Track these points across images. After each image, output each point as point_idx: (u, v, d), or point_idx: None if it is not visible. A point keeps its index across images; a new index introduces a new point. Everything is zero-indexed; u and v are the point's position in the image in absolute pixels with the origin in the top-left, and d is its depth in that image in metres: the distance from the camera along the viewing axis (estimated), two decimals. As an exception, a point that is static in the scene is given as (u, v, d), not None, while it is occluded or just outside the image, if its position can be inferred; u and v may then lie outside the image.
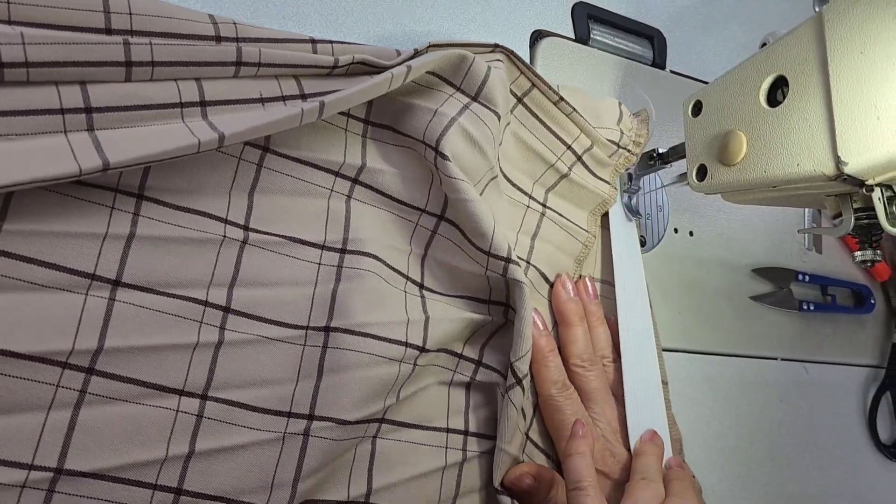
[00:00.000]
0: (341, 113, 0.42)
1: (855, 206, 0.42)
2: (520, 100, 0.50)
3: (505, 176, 0.49)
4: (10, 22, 0.32)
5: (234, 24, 0.38)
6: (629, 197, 0.56)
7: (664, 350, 0.58)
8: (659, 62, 0.65)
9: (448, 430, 0.44)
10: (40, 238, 0.32)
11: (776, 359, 0.66)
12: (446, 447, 0.43)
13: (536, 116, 0.51)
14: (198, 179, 0.38)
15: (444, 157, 0.42)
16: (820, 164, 0.38)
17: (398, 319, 0.41)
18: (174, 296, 0.36)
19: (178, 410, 0.35)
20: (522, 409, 0.44)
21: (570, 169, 0.52)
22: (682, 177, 0.50)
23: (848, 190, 0.41)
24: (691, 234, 0.63)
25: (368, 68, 0.41)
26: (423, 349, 0.41)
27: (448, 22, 0.52)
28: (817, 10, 0.42)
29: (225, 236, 0.38)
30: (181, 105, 0.35)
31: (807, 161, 0.39)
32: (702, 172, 0.46)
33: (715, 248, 0.64)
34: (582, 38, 0.60)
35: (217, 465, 0.35)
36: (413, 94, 0.44)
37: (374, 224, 0.43)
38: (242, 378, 0.37)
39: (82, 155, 0.31)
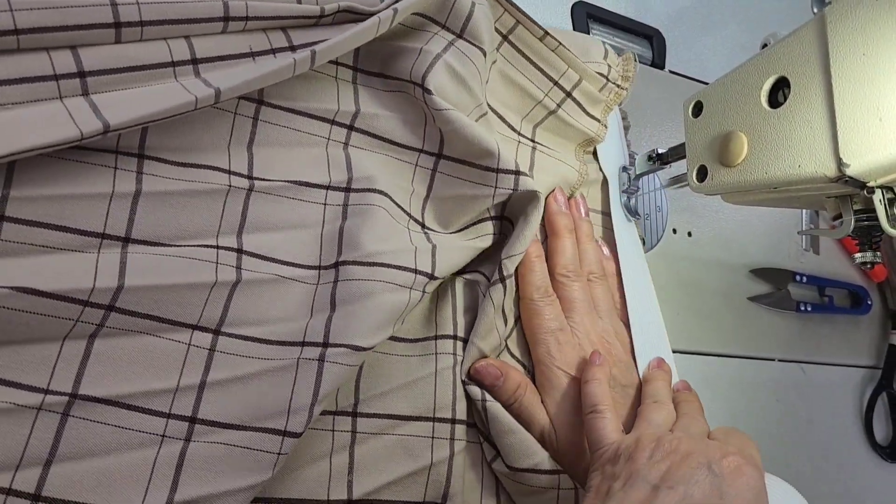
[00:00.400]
0: (330, 62, 0.42)
1: (855, 207, 0.42)
2: (505, 37, 0.50)
3: (494, 112, 0.49)
4: None
5: None
6: (628, 197, 0.56)
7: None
8: (658, 62, 0.65)
9: (437, 338, 0.44)
10: (48, 202, 0.32)
11: (773, 359, 0.66)
12: (436, 353, 0.43)
13: (522, 53, 0.51)
14: (196, 137, 0.38)
15: (429, 91, 0.42)
16: (821, 165, 0.38)
17: (406, 248, 0.41)
18: (186, 246, 0.36)
19: (190, 344, 0.36)
20: (503, 312, 0.45)
21: (558, 105, 0.52)
22: (682, 178, 0.50)
23: (849, 191, 0.41)
24: (690, 234, 0.63)
25: (355, 16, 0.42)
26: (432, 276, 0.41)
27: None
28: (815, 11, 0.42)
29: (230, 185, 0.38)
30: (173, 64, 0.36)
31: (808, 162, 0.39)
32: (702, 173, 0.46)
33: (713, 249, 0.64)
34: (581, 37, 0.60)
35: (231, 394, 0.36)
36: (399, 37, 0.45)
37: (375, 165, 0.44)
38: (256, 315, 0.38)
39: (81, 119, 0.31)
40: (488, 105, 0.47)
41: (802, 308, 0.68)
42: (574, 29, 0.60)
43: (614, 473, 0.37)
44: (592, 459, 0.40)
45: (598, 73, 0.53)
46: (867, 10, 0.36)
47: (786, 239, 0.70)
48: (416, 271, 0.40)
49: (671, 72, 0.66)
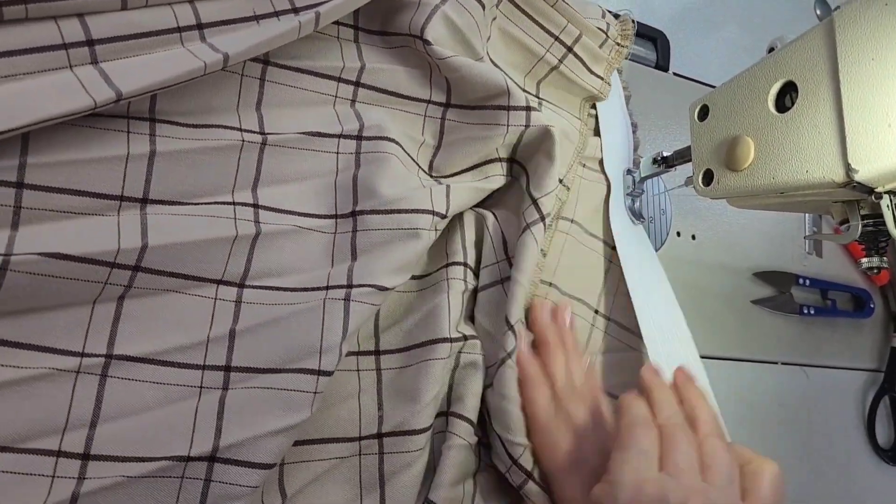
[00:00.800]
0: (332, 23, 0.42)
1: (862, 212, 0.42)
2: None
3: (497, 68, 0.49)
4: None
5: None
6: (633, 200, 0.56)
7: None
8: (662, 64, 0.65)
9: (448, 265, 0.45)
10: (65, 167, 0.33)
11: (776, 363, 0.66)
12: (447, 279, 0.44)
13: (521, 9, 0.51)
14: (205, 100, 0.38)
15: (429, 42, 0.43)
16: (829, 171, 0.38)
17: (421, 190, 0.42)
18: (203, 203, 0.37)
19: (216, 298, 0.36)
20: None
21: (560, 61, 0.53)
22: (687, 181, 0.50)
23: (856, 197, 0.40)
24: (693, 237, 0.63)
25: None
26: (444, 216, 0.42)
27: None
28: (819, 13, 0.42)
29: (243, 141, 0.38)
30: (179, 30, 0.36)
31: (816, 168, 0.38)
32: (708, 177, 0.46)
33: (717, 252, 0.64)
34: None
35: (261, 340, 0.36)
36: None
37: (384, 118, 0.44)
38: (279, 266, 0.38)
39: (94, 88, 0.31)
40: (491, 62, 0.48)
41: (805, 311, 0.68)
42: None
43: None
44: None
45: (598, 28, 0.54)
46: (876, 14, 0.36)
47: (789, 242, 0.70)
48: (433, 213, 0.41)
49: (675, 74, 0.66)
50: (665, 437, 0.36)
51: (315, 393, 0.35)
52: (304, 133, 0.41)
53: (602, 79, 0.55)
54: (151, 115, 0.36)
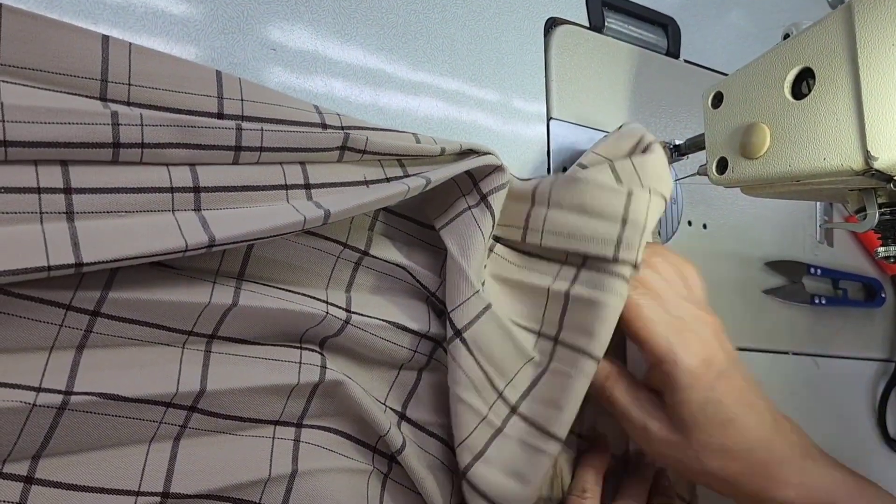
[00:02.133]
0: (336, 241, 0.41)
1: (879, 200, 0.41)
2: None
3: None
4: (128, 103, 0.32)
5: (339, 115, 0.39)
6: (644, 189, 0.55)
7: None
8: (673, 51, 0.64)
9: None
10: (143, 305, 0.32)
11: (787, 352, 0.66)
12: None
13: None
14: (297, 276, 0.39)
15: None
16: (848, 158, 0.37)
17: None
18: (269, 345, 0.37)
19: (274, 437, 0.37)
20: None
21: (572, 283, 0.44)
22: (700, 169, 0.49)
23: (873, 185, 0.40)
24: (705, 226, 0.62)
25: (475, 154, 0.43)
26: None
27: (462, 8, 0.51)
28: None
29: (328, 313, 0.38)
30: (286, 187, 0.36)
31: (834, 155, 0.38)
32: (722, 165, 0.45)
33: (728, 241, 0.64)
34: (596, 26, 0.59)
35: (320, 487, 0.37)
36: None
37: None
38: (337, 410, 0.40)
39: (189, 231, 0.31)
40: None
41: (817, 301, 0.68)
42: (589, 17, 0.58)
43: None
44: None
45: (605, 239, 0.43)
46: (897, -1, 0.36)
47: (800, 231, 0.70)
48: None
49: (686, 61, 0.65)
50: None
51: None
52: (388, 322, 0.40)
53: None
54: (240, 276, 0.36)
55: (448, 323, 0.40)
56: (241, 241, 0.32)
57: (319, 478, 0.37)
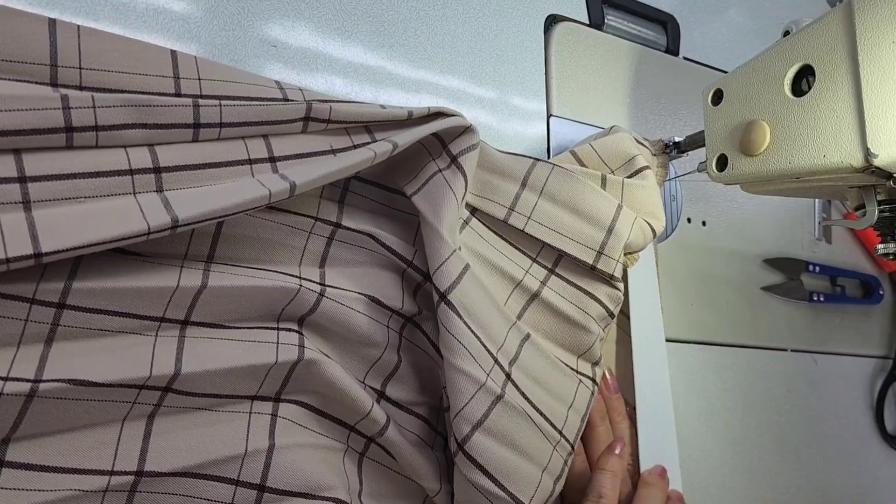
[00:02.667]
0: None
1: (879, 198, 0.41)
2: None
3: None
4: (80, 87, 0.31)
5: (301, 90, 0.38)
6: (643, 186, 0.55)
7: (677, 341, 0.58)
8: (672, 48, 0.64)
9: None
10: (109, 293, 0.32)
11: (786, 350, 0.66)
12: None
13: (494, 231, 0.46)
14: (269, 253, 0.38)
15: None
16: (848, 155, 0.37)
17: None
18: (245, 328, 0.36)
19: (251, 412, 0.36)
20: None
21: (543, 283, 0.45)
22: (700, 166, 0.49)
23: (872, 182, 0.40)
24: (704, 223, 0.63)
25: (444, 117, 0.41)
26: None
27: (462, 5, 0.51)
28: (830, -3, 0.41)
29: (301, 287, 0.37)
30: (250, 162, 0.35)
31: (834, 152, 0.38)
32: (722, 162, 0.45)
33: (727, 238, 0.64)
34: (596, 23, 0.59)
35: (300, 459, 0.36)
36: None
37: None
38: (319, 386, 0.38)
39: (151, 213, 0.30)
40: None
41: (815, 298, 0.68)
42: (589, 14, 0.59)
43: None
44: None
45: (587, 246, 0.44)
46: (897, -4, 0.36)
47: (798, 229, 0.70)
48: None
49: (685, 58, 0.65)
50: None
51: None
52: (362, 294, 0.39)
53: (612, 285, 0.46)
54: (209, 259, 0.35)
55: (433, 290, 0.39)
56: (206, 220, 0.31)
57: (297, 452, 0.36)
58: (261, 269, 0.37)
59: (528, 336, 0.43)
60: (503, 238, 0.45)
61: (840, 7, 0.39)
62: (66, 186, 0.30)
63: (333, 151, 0.38)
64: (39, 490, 0.30)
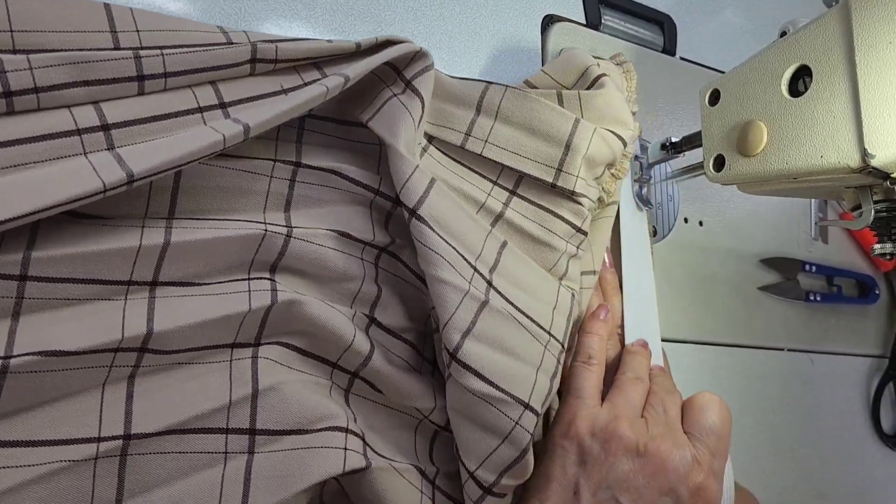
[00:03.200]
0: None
1: (875, 198, 0.41)
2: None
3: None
4: (14, 51, 0.31)
5: (245, 32, 0.37)
6: (640, 187, 0.55)
7: (674, 341, 0.58)
8: (669, 48, 0.64)
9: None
10: (71, 260, 0.31)
11: (783, 349, 0.66)
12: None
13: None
14: (231, 202, 0.37)
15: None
16: (845, 155, 0.37)
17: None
18: (216, 283, 0.35)
19: (231, 360, 0.36)
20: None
21: (505, 205, 0.44)
22: (694, 167, 0.49)
23: (869, 182, 0.40)
24: (701, 223, 0.63)
25: (393, 45, 0.40)
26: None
27: (459, 5, 0.51)
28: (826, -3, 0.41)
29: (266, 231, 0.36)
30: (200, 110, 0.34)
31: (831, 153, 0.38)
32: (719, 163, 0.45)
33: (724, 238, 0.64)
34: (593, 23, 0.59)
35: (286, 400, 0.35)
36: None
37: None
38: (298, 327, 0.38)
39: (105, 171, 0.29)
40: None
41: (811, 298, 0.68)
42: (586, 14, 0.59)
43: (584, 462, 0.39)
44: (564, 412, 0.42)
45: (547, 165, 0.44)
46: (894, -3, 0.36)
47: (795, 228, 0.70)
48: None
49: (682, 58, 0.65)
50: (616, 385, 0.43)
51: (345, 449, 0.35)
52: (331, 230, 0.39)
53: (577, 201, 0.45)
54: (170, 215, 0.34)
55: (403, 208, 0.38)
56: (162, 172, 0.31)
57: (282, 389, 0.35)
58: (224, 220, 0.36)
59: (504, 244, 0.43)
60: (462, 164, 0.45)
61: (837, 8, 0.39)
62: (14, 153, 0.29)
63: (284, 91, 0.37)
64: (29, 465, 0.30)
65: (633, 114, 0.52)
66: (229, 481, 0.33)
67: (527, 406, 0.38)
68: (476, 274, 0.39)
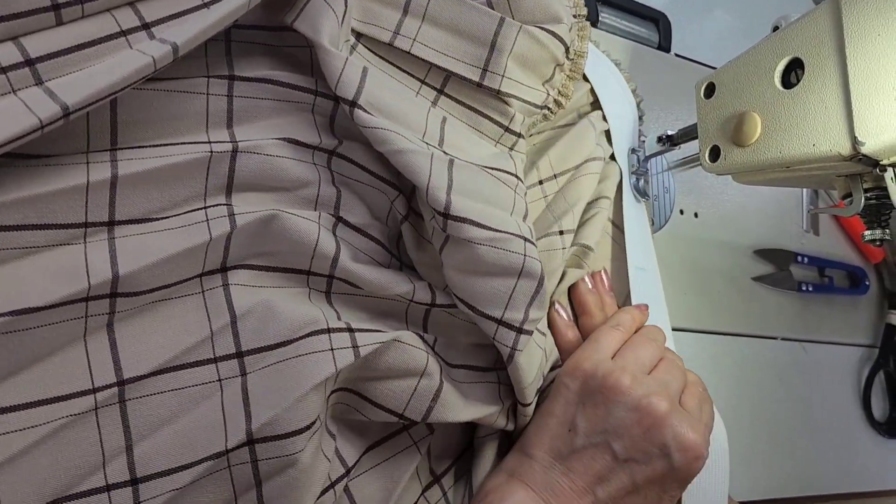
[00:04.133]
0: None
1: (865, 186, 0.43)
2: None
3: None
4: None
5: None
6: (637, 179, 0.57)
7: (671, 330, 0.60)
8: (664, 45, 0.66)
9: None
10: (20, 205, 0.31)
11: (776, 338, 0.68)
12: None
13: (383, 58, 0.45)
14: (172, 126, 0.36)
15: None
16: (836, 144, 0.39)
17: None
18: (173, 216, 0.35)
19: (203, 291, 0.36)
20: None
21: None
22: (690, 159, 0.51)
23: (859, 170, 0.42)
24: (696, 215, 0.64)
25: None
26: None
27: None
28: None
29: (212, 152, 0.36)
30: (123, 33, 0.33)
31: (823, 141, 0.40)
32: (714, 153, 0.47)
33: (719, 230, 0.66)
34: (591, 20, 0.60)
35: (265, 317, 0.36)
36: None
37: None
38: (260, 248, 0.38)
39: (38, 106, 0.29)
40: None
41: (804, 288, 0.70)
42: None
43: (583, 403, 0.40)
44: (577, 355, 0.43)
45: (473, 65, 0.44)
46: (882, -9, 0.37)
47: (788, 220, 0.72)
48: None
49: (677, 55, 0.67)
50: (629, 342, 0.44)
51: (332, 350, 0.35)
52: (278, 139, 0.38)
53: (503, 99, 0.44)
54: (113, 145, 0.34)
55: (342, 102, 0.38)
56: (98, 101, 0.30)
57: (258, 309, 0.35)
58: (168, 145, 0.35)
59: (445, 119, 0.43)
60: (390, 63, 0.45)
61: (827, 2, 0.40)
62: None
63: (206, 4, 0.36)
64: (31, 427, 0.30)
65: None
66: (229, 404, 0.34)
67: (526, 239, 0.39)
68: (428, 146, 0.39)
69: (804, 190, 0.74)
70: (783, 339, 0.68)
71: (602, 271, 0.52)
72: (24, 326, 0.30)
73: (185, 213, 0.35)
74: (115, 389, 0.32)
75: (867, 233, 0.44)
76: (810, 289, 0.70)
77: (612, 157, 0.56)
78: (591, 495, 0.38)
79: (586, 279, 0.50)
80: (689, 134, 0.52)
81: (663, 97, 0.64)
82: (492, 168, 0.41)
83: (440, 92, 0.44)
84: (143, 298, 0.34)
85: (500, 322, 0.39)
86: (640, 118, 0.58)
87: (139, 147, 0.35)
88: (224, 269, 0.36)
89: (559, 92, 0.49)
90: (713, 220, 0.65)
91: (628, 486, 0.38)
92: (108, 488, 0.31)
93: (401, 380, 0.38)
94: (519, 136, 0.46)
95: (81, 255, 0.32)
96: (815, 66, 0.40)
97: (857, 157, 0.38)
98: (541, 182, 0.50)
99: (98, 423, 0.32)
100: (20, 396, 0.30)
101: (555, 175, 0.51)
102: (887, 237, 0.44)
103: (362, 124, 0.38)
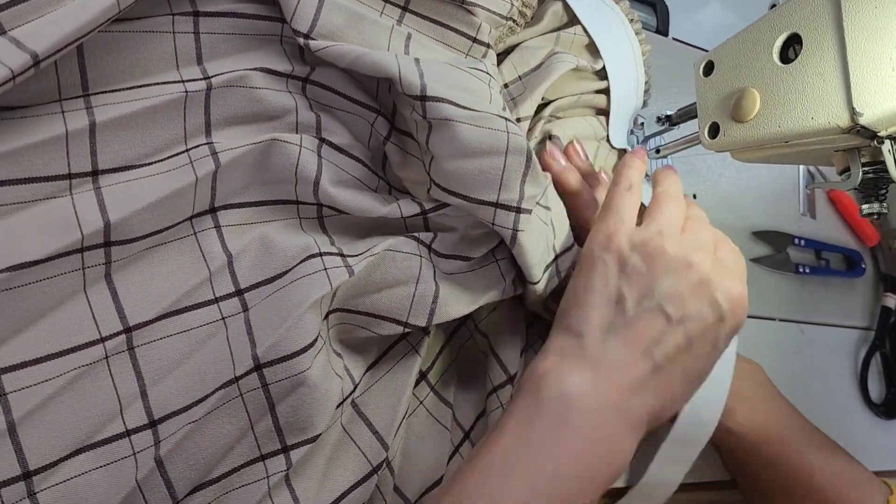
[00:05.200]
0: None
1: (862, 160, 0.43)
2: None
3: None
4: None
5: None
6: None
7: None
8: (662, 29, 0.67)
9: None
10: (4, 160, 0.31)
11: (774, 319, 0.68)
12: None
13: None
14: (142, 67, 0.36)
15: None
16: (835, 116, 0.39)
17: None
18: (156, 162, 0.35)
19: (195, 233, 0.37)
20: None
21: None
22: (691, 138, 0.51)
23: (857, 144, 0.42)
24: (694, 196, 0.65)
25: None
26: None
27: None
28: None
29: (186, 91, 0.36)
30: None
31: (821, 114, 0.40)
32: (714, 130, 0.47)
33: (717, 212, 0.66)
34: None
35: (258, 257, 0.37)
36: None
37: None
38: (242, 182, 0.39)
39: (6, 57, 0.29)
40: None
41: (801, 270, 0.70)
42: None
43: (626, 274, 0.39)
44: (602, 228, 0.42)
45: None
46: (879, -36, 0.38)
47: (785, 203, 0.72)
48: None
49: (674, 39, 0.67)
50: (655, 202, 0.44)
51: (325, 270, 0.35)
52: (251, 70, 0.38)
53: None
54: (85, 91, 0.34)
55: (296, 36, 0.38)
56: (66, 46, 0.30)
57: (253, 246, 0.36)
58: (140, 87, 0.35)
59: (409, 35, 0.43)
60: None
61: (825, -23, 0.41)
62: None
63: None
64: (46, 380, 0.31)
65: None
66: (234, 337, 0.34)
67: (504, 117, 0.39)
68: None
69: (801, 172, 0.75)
70: (781, 320, 0.69)
71: (574, 142, 0.52)
72: (23, 282, 0.31)
73: (167, 157, 0.36)
74: (123, 337, 0.33)
75: (865, 206, 0.45)
76: (807, 271, 0.71)
77: (608, 140, 0.57)
78: (650, 360, 0.37)
79: (558, 157, 0.50)
80: (688, 113, 0.52)
81: (661, 80, 0.64)
82: (461, 68, 0.41)
83: (404, 9, 0.44)
84: (137, 245, 0.34)
85: (496, 205, 0.39)
86: (645, 103, 0.59)
87: (111, 91, 0.35)
88: (213, 210, 0.37)
89: (523, 3, 0.49)
90: (711, 201, 0.66)
91: (682, 345, 0.38)
92: (129, 433, 0.32)
93: (398, 288, 0.38)
94: (487, 46, 0.46)
95: (70, 207, 0.32)
96: (813, 41, 0.41)
97: (856, 128, 0.39)
98: (506, 86, 0.50)
99: (111, 372, 0.33)
100: (31, 352, 0.31)
101: (519, 77, 0.51)
102: (885, 210, 0.44)
103: (325, 58, 0.38)
